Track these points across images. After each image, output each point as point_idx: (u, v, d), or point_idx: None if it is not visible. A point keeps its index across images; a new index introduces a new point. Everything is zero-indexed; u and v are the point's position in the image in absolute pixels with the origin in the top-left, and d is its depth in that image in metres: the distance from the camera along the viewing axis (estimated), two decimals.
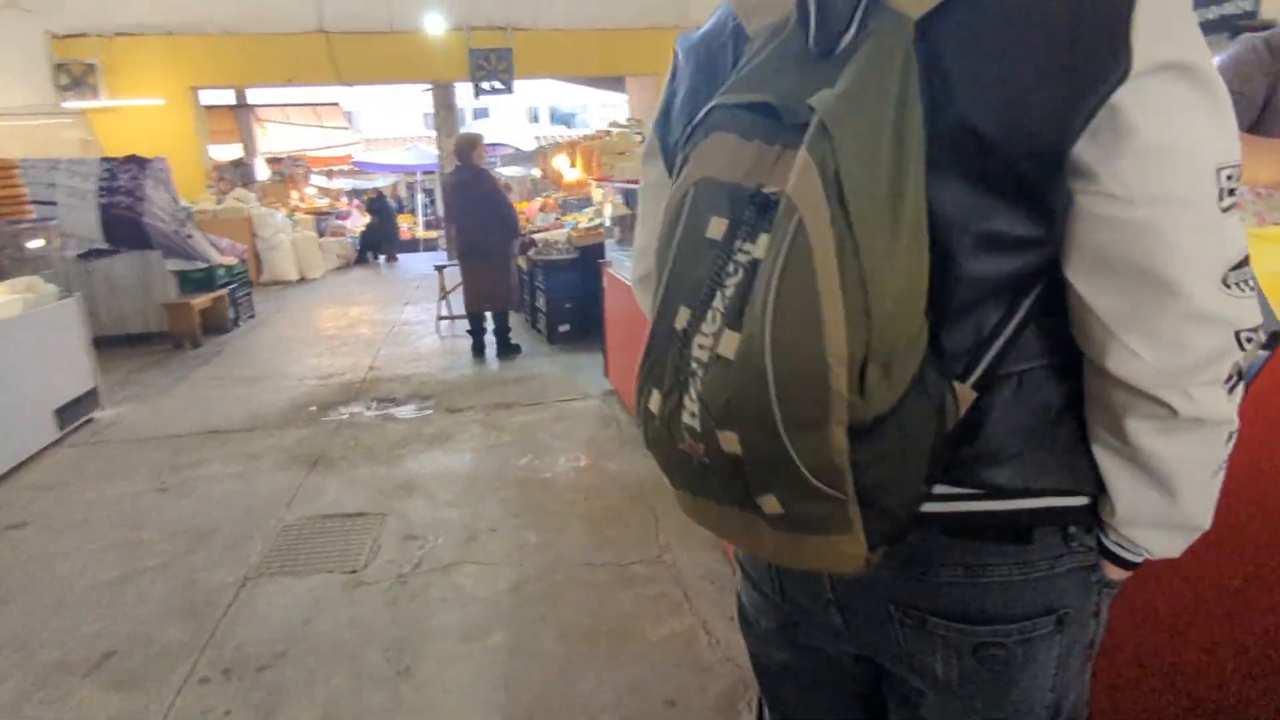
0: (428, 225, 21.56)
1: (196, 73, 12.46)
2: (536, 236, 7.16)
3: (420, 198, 22.17)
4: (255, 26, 12.36)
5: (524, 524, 3.42)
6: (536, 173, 16.38)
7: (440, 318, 7.77)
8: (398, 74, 13.33)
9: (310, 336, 7.61)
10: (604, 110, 27.92)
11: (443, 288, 7.74)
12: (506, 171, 19.75)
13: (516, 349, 6.54)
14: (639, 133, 5.44)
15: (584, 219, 7.52)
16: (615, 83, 18.35)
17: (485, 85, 12.79)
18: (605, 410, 4.99)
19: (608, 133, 8.29)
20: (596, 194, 8.65)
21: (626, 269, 4.88)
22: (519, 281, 7.01)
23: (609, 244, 5.67)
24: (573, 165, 10.33)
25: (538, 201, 9.19)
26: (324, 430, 4.77)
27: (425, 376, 5.97)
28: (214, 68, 12.52)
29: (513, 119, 25.69)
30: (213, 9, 12.14)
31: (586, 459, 4.18)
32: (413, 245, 18.02)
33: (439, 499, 3.72)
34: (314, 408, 5.26)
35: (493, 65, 12.76)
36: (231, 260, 8.11)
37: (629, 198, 5.63)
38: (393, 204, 18.12)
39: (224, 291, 7.82)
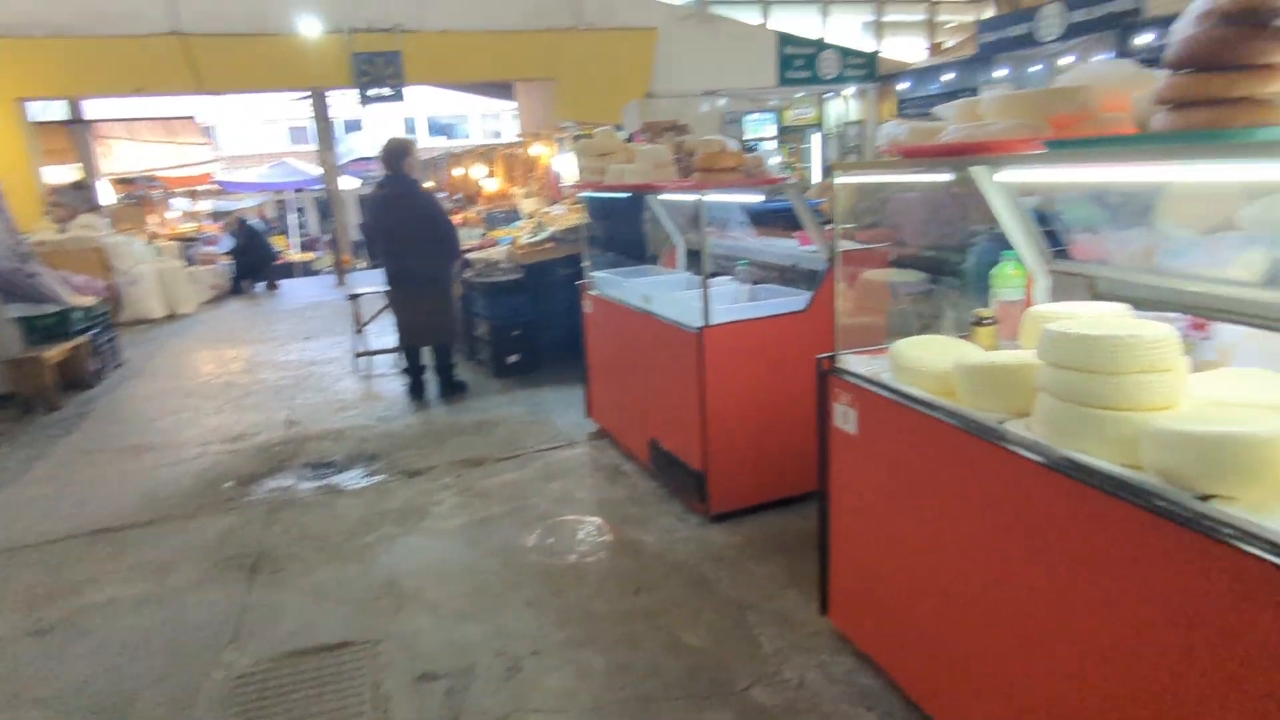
0: (304, 246, 19.83)
1: (23, 82, 10.65)
2: (473, 256, 6.24)
3: (293, 217, 20.37)
4: (96, 28, 10.69)
5: (575, 640, 2.59)
6: (428, 185, 15.19)
7: (359, 354, 6.68)
8: (269, 81, 11.94)
9: (201, 387, 6.34)
10: (484, 121, 26.82)
11: (358, 319, 6.67)
12: None
13: (463, 387, 5.61)
14: (620, 126, 4.67)
15: (520, 233, 6.65)
16: (503, 90, 17.43)
17: (371, 92, 11.62)
18: (601, 458, 4.19)
19: (535, 138, 7.47)
20: (526, 205, 7.79)
21: (614, 288, 4.11)
22: (459, 309, 6.05)
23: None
24: (491, 175, 9.39)
25: (458, 217, 8.22)
26: (253, 516, 3.73)
27: (362, 430, 4.95)
28: (45, 76, 10.76)
29: (389, 130, 24.15)
30: (45, 7, 10.41)
31: (609, 530, 3.37)
32: (287, 270, 16.37)
33: (444, 609, 2.82)
34: (231, 483, 4.17)
35: (379, 70, 11.61)
36: (89, 300, 6.70)
37: (601, 208, 4.86)
38: (259, 225, 16.41)
39: (84, 338, 6.43)
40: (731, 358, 3.18)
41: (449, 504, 3.75)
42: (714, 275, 4.15)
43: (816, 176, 14.49)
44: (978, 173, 2.43)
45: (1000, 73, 12.89)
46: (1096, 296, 2.44)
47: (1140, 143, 1.38)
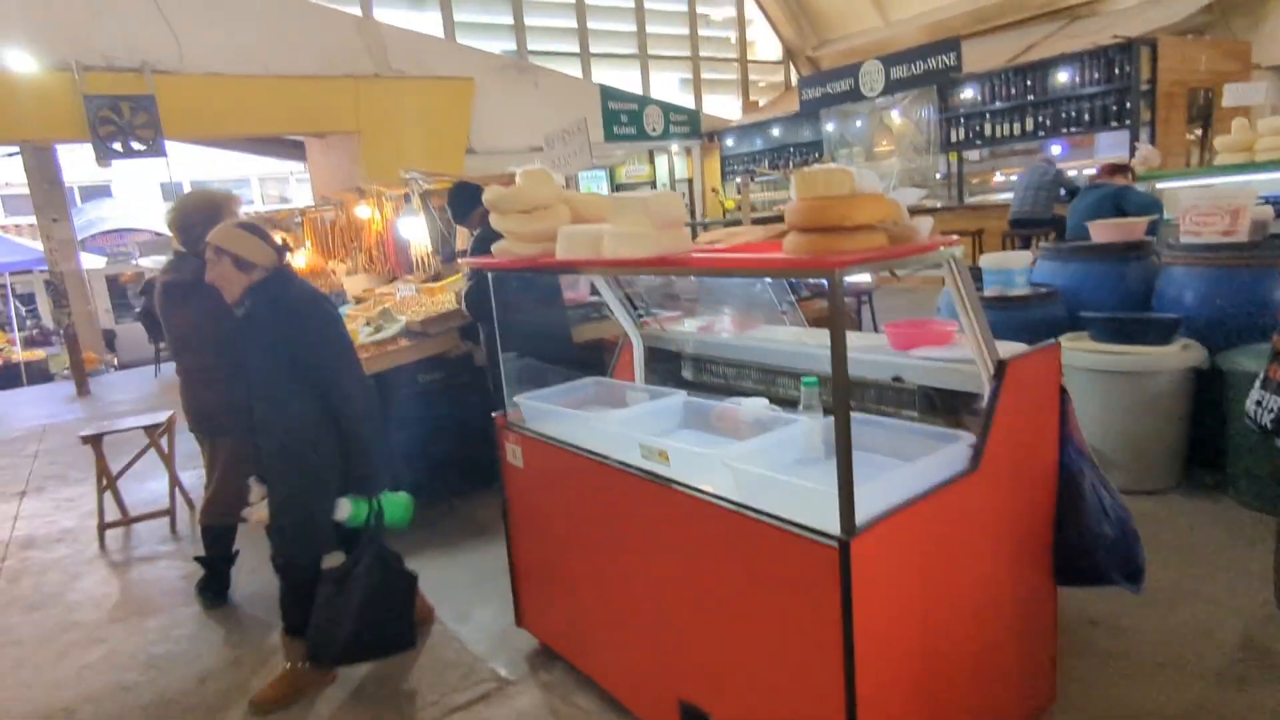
0: (29, 343, 15.91)
1: None
2: None
3: (12, 306, 16.32)
4: None
5: None
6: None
7: (105, 525, 4.41)
8: None
9: None
10: (266, 185, 23.74)
11: (104, 471, 4.42)
12: (148, 263, 15.24)
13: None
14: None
15: (351, 324, 4.76)
16: (293, 148, 15.05)
17: (117, 146, 9.07)
18: (568, 712, 2.49)
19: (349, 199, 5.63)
20: (351, 284, 5.88)
21: (565, 425, 2.51)
22: None
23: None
24: (293, 248, 7.28)
25: None
26: None
27: (119, 697, 2.86)
28: None
29: (145, 197, 20.44)
30: None
31: None
32: (12, 376, 12.80)
33: None
34: None
35: (126, 119, 9.12)
36: None
37: (510, 291, 3.17)
38: None
39: None
40: (891, 585, 1.68)
41: None
42: (730, 395, 2.66)
43: None
44: None
45: (828, 126, 12.76)
46: None
47: None
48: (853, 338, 2.51)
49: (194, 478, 4.88)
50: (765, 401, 2.34)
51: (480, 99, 12.43)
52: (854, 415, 2.16)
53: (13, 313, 15.67)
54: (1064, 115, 8.59)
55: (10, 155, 10.25)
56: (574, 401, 2.82)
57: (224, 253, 2.58)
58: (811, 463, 2.10)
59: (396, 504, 2.80)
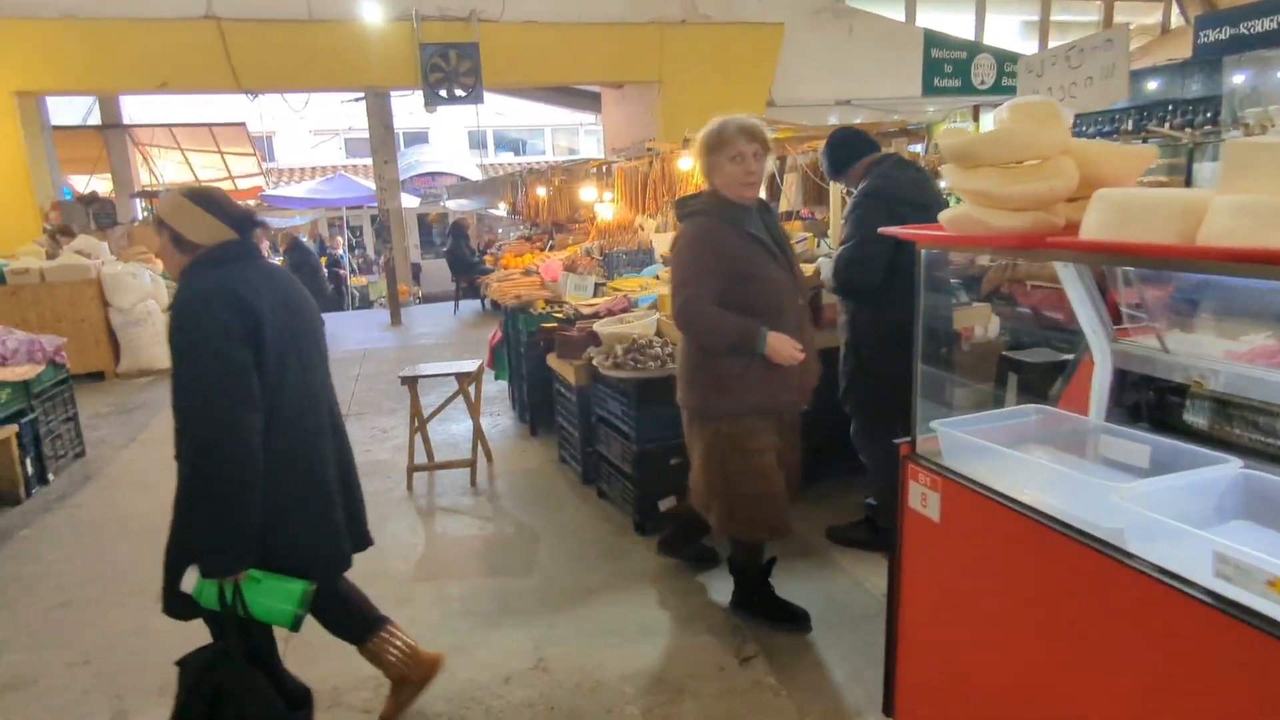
0: (358, 270, 17.94)
1: (25, 72, 8.78)
2: (599, 329, 3.88)
3: (345, 236, 18.48)
4: (113, 9, 8.78)
5: None
6: (501, 208, 13.07)
7: (414, 468, 4.37)
8: (320, 78, 9.91)
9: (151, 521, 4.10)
10: (557, 136, 24.83)
11: (418, 412, 4.36)
12: (454, 205, 16.39)
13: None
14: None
15: (661, 285, 4.28)
16: (587, 99, 15.30)
17: (443, 93, 9.49)
18: None
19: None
20: (661, 242, 5.43)
21: (998, 468, 1.71)
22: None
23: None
24: (600, 198, 7.06)
25: (556, 257, 5.91)
26: None
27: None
28: (52, 66, 8.87)
29: (454, 144, 22.20)
30: None
31: None
32: (338, 300, 14.38)
33: None
34: None
35: (452, 66, 9.49)
36: (27, 370, 4.55)
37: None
38: (314, 247, 14.49)
39: (9, 430, 4.27)
40: None
41: None
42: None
43: None
44: None
45: (1235, 78, 10.17)
46: None
47: None
48: None
49: (487, 424, 4.76)
50: None
51: (786, 46, 11.49)
52: None
53: (346, 243, 17.77)
54: None
55: (356, 100, 11.19)
56: (1007, 435, 1.99)
57: (165, 227, 1.97)
58: None
59: (268, 597, 1.92)
